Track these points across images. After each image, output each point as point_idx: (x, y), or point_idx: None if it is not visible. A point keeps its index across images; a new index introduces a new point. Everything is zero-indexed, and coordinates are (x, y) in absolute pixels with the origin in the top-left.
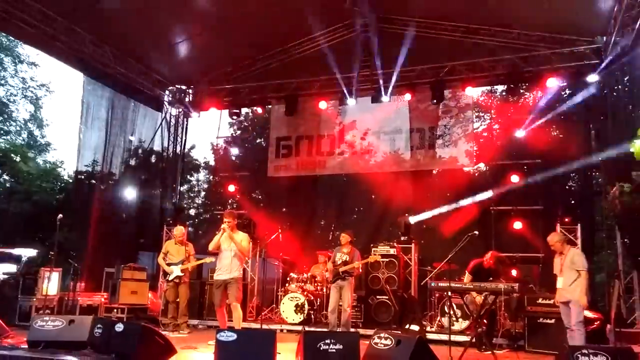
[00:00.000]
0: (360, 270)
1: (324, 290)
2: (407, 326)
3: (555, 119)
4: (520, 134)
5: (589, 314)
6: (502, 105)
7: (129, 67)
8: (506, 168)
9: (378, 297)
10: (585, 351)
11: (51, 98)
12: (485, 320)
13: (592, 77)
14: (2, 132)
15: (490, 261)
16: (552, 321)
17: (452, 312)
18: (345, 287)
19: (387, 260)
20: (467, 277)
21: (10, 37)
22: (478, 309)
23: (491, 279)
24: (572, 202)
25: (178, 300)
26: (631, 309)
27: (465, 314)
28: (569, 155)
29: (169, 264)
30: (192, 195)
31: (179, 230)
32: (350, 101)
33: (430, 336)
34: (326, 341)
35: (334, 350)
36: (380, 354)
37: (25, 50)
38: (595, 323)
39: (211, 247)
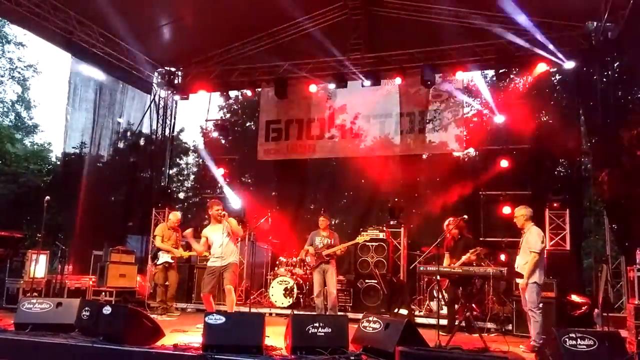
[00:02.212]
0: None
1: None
2: (395, 310)
3: (545, 104)
4: (508, 118)
5: (576, 298)
6: (493, 90)
7: (116, 48)
8: (495, 153)
9: (367, 281)
10: (572, 335)
11: (39, 79)
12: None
13: (582, 62)
14: None
15: (451, 226)
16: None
17: (440, 297)
18: (329, 270)
19: (377, 244)
20: (446, 258)
21: None
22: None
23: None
24: (561, 187)
25: (167, 283)
26: (618, 293)
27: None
28: (558, 141)
29: (159, 249)
30: (181, 178)
31: (175, 216)
32: (341, 85)
33: (418, 320)
34: (315, 324)
35: (323, 334)
36: (369, 337)
37: (13, 30)
38: (583, 307)
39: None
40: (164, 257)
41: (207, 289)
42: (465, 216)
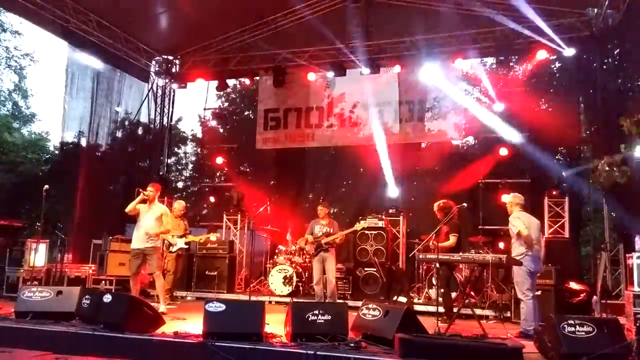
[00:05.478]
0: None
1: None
2: (394, 298)
3: (545, 91)
4: (508, 107)
5: (575, 285)
6: (492, 78)
7: (113, 36)
8: (495, 141)
9: (366, 269)
10: (571, 322)
11: (35, 68)
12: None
13: (582, 50)
14: None
15: (438, 208)
16: (539, 293)
17: (439, 284)
18: (329, 258)
19: (376, 232)
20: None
21: None
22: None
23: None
24: (560, 175)
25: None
26: (617, 280)
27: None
28: (558, 129)
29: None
30: (179, 167)
31: (180, 205)
32: (339, 73)
33: (417, 308)
34: (314, 312)
35: (323, 321)
36: (369, 325)
37: (9, 19)
38: (582, 295)
39: (128, 209)
40: (179, 244)
41: (133, 270)
42: (465, 204)
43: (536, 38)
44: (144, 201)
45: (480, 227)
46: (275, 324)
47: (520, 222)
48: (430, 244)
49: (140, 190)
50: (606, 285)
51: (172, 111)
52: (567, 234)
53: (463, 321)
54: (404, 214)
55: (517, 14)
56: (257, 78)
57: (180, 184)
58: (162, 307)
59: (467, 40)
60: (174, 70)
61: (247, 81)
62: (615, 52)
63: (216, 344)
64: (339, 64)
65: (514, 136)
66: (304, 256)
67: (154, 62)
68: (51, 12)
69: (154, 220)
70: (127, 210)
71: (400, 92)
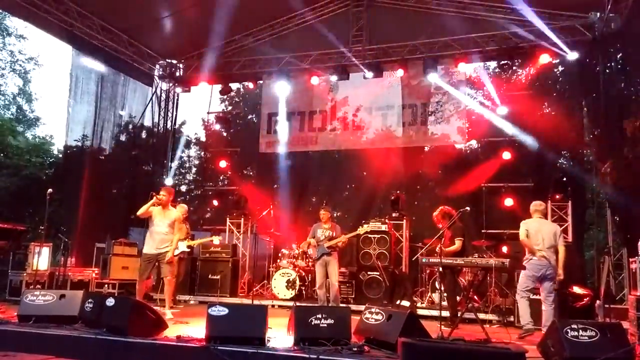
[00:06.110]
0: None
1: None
2: (397, 302)
3: (548, 95)
4: (511, 110)
5: (578, 290)
6: (495, 81)
7: (117, 40)
8: (498, 145)
9: (369, 273)
10: (574, 326)
11: (40, 72)
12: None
13: (585, 54)
14: None
15: (439, 217)
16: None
17: (442, 288)
18: (331, 262)
19: (379, 236)
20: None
21: None
22: None
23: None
24: (563, 179)
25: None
26: (620, 285)
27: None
28: (561, 133)
29: None
30: (183, 171)
31: (183, 208)
32: (342, 77)
33: (421, 312)
34: (317, 316)
35: (325, 325)
36: (372, 329)
37: (13, 23)
38: (585, 299)
39: (140, 212)
40: (180, 248)
41: (143, 275)
42: (468, 208)
43: (539, 42)
44: (156, 204)
45: (483, 231)
46: (278, 328)
47: (523, 228)
48: (437, 249)
49: (154, 194)
50: (609, 289)
51: (176, 115)
52: (570, 238)
53: (466, 325)
54: (407, 218)
55: (520, 18)
56: (261, 82)
57: (183, 188)
58: (168, 314)
59: (470, 44)
60: (177, 74)
61: (250, 85)
62: (618, 56)
63: (219, 348)
64: (342, 67)
65: (517, 140)
66: (307, 260)
67: (157, 66)
68: (55, 16)
69: (167, 226)
70: (138, 213)
71: (403, 95)
